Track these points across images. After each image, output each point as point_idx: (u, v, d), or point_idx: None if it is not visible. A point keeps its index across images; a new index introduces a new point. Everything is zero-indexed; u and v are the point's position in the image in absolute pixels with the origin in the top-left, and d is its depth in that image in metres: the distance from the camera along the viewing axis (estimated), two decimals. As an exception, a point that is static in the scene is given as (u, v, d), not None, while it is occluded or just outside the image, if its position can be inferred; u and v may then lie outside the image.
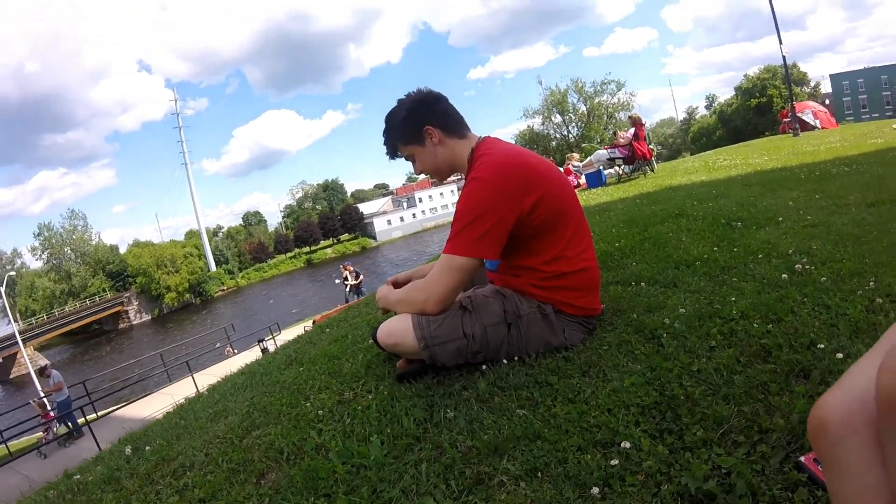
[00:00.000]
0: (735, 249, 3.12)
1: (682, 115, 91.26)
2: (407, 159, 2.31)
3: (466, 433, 1.67)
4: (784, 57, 18.12)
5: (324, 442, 1.88)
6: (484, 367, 2.08)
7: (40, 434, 12.98)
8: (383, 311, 2.39)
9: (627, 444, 1.39)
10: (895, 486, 0.29)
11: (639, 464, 1.32)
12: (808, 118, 20.12)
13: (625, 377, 1.76)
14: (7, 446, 12.73)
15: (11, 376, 45.71)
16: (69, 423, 12.64)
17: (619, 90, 43.68)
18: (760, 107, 60.74)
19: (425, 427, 1.79)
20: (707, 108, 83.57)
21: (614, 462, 1.34)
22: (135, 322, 62.06)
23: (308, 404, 2.29)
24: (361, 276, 19.31)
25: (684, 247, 3.43)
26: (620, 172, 12.69)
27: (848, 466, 0.32)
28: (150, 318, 63.10)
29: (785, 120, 21.26)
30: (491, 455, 1.52)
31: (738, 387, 1.55)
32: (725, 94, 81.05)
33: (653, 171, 12.14)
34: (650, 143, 12.34)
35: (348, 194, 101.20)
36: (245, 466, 1.89)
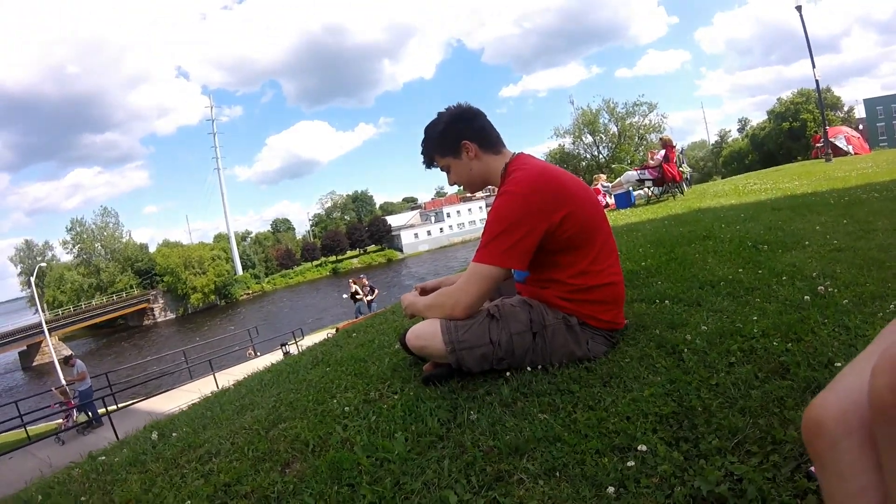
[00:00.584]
0: (760, 271, 3.13)
1: (713, 138, 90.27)
2: (442, 170, 2.39)
3: (489, 434, 1.72)
4: (817, 81, 17.91)
5: (349, 436, 1.93)
6: (508, 373, 2.13)
7: (60, 421, 13.18)
8: (410, 316, 2.46)
9: (644, 448, 1.44)
10: (890, 489, 0.31)
11: (654, 467, 1.37)
12: (840, 143, 19.89)
13: (645, 388, 1.80)
14: (27, 430, 12.97)
15: (34, 364, 46.49)
16: (89, 412, 12.84)
17: (651, 112, 43.35)
18: (793, 131, 59.78)
19: (449, 427, 1.84)
20: (739, 131, 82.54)
21: (630, 464, 1.39)
22: (159, 320, 62.78)
23: (334, 402, 2.34)
24: (377, 291, 18.80)
25: (710, 268, 3.45)
26: (650, 194, 12.65)
27: (842, 468, 0.33)
28: (174, 316, 63.81)
29: (817, 145, 21.05)
30: (512, 455, 1.57)
31: (754, 400, 1.59)
32: (758, 118, 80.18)
33: (682, 193, 12.06)
34: (681, 166, 12.26)
35: (377, 206, 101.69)
36: (270, 456, 1.95)
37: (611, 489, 1.32)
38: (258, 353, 18.95)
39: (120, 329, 60.41)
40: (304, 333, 19.58)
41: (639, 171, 12.71)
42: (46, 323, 37.91)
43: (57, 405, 13.44)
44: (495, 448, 1.62)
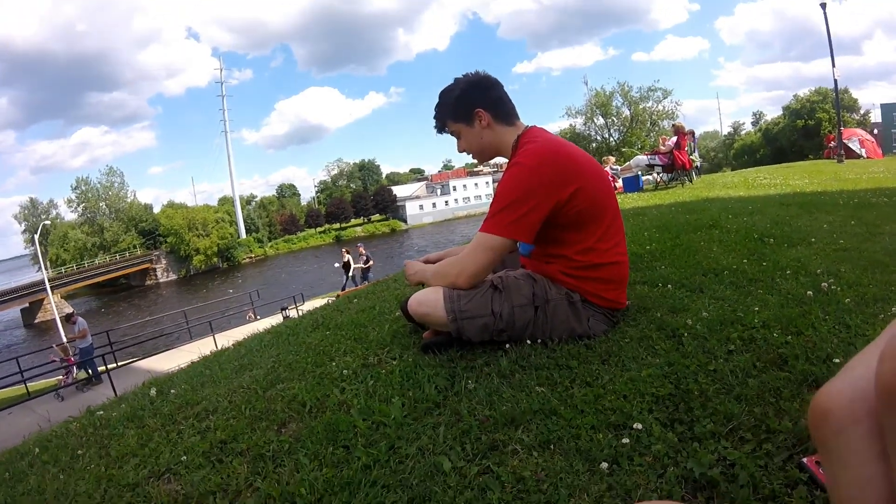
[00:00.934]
0: (764, 264, 3.13)
1: (726, 129, 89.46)
2: (453, 135, 2.38)
3: (485, 403, 1.74)
4: (836, 80, 17.75)
5: (346, 399, 1.95)
6: (507, 345, 2.15)
7: (60, 377, 13.30)
8: (414, 283, 2.46)
9: (639, 426, 1.45)
10: (895, 477, 0.31)
11: (648, 447, 1.39)
12: (854, 146, 19.76)
13: (643, 368, 1.82)
14: (26, 386, 13.10)
15: (36, 321, 46.73)
16: (89, 369, 12.94)
17: (665, 98, 42.90)
18: (807, 129, 59.16)
19: (446, 395, 1.86)
20: (753, 124, 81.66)
21: (625, 441, 1.40)
22: (161, 280, 62.92)
23: (333, 364, 2.36)
24: (372, 262, 18.34)
25: (714, 256, 3.45)
26: (658, 180, 12.59)
27: (848, 456, 0.31)
28: (176, 277, 63.87)
29: (830, 145, 20.91)
30: (507, 425, 1.59)
31: (751, 389, 1.60)
32: (773, 113, 79.14)
33: (691, 181, 12.00)
34: (692, 153, 12.19)
35: (383, 176, 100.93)
36: (267, 415, 1.97)
37: (604, 465, 1.33)
38: (258, 317, 19.02)
39: (122, 288, 60.51)
40: (304, 298, 19.62)
41: (649, 157, 12.61)
42: (49, 281, 37.95)
43: (57, 360, 13.54)
44: (491, 418, 1.63)
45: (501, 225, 2.06)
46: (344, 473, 1.47)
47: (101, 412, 2.67)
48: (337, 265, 19.19)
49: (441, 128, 2.39)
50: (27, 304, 47.50)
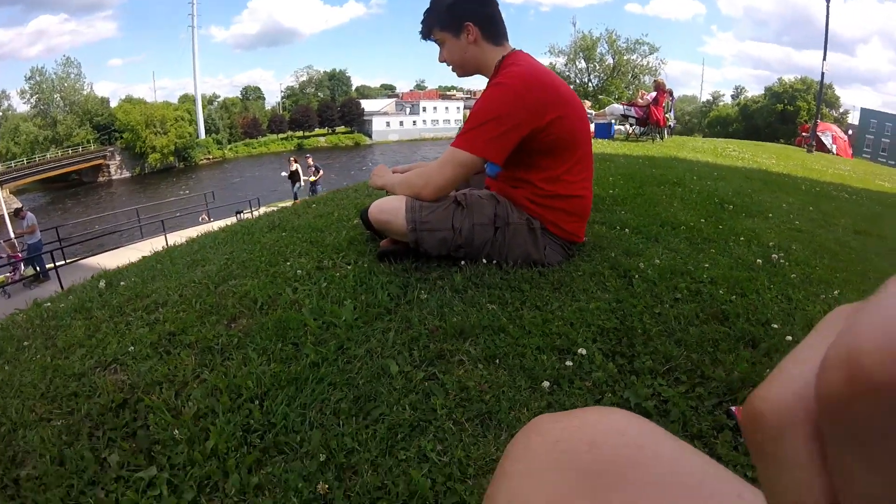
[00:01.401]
0: (720, 227, 3.21)
1: (706, 97, 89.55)
2: (437, 43, 2.33)
3: (436, 314, 1.77)
4: (823, 73, 17.89)
5: (298, 299, 1.95)
6: (463, 262, 2.17)
7: (7, 275, 12.97)
8: (376, 187, 2.45)
9: (583, 352, 1.50)
10: (835, 483, 0.30)
11: (589, 373, 1.44)
12: (826, 140, 20.20)
13: (591, 301, 1.87)
14: (-30, 283, 12.71)
15: (-18, 216, 45.00)
16: (37, 266, 12.61)
17: (651, 54, 42.31)
18: (785, 114, 59.58)
19: (398, 302, 1.88)
20: (733, 97, 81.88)
21: (568, 364, 1.46)
22: (115, 177, 60.50)
23: (287, 265, 2.34)
24: (321, 172, 17.20)
25: (674, 211, 3.52)
26: (630, 131, 12.63)
27: (784, 461, 0.31)
28: (130, 175, 61.55)
29: (804, 134, 21.29)
30: (456, 337, 1.63)
31: (691, 336, 1.67)
32: (754, 91, 79.47)
33: (662, 139, 12.08)
34: (668, 112, 12.23)
35: (353, 88, 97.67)
36: (217, 310, 1.95)
37: (546, 384, 1.38)
38: (212, 219, 18.62)
39: (73, 184, 57.80)
40: (260, 204, 19.28)
41: (625, 107, 12.62)
42: (-2, 174, 36.28)
43: (4, 257, 13.15)
44: (440, 328, 1.67)
45: (476, 142, 2.05)
46: (291, 369, 1.49)
47: (49, 304, 2.62)
48: (284, 174, 18.05)
49: (426, 34, 2.34)
50: (-26, 199, 45.53)
